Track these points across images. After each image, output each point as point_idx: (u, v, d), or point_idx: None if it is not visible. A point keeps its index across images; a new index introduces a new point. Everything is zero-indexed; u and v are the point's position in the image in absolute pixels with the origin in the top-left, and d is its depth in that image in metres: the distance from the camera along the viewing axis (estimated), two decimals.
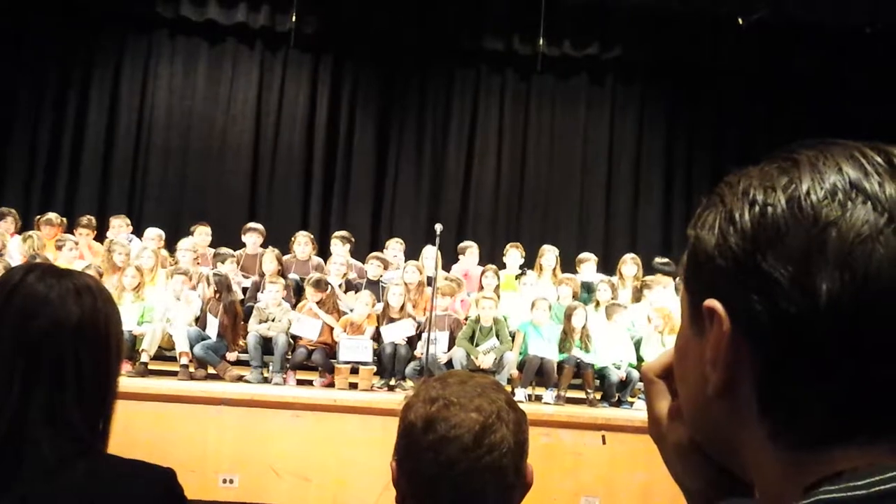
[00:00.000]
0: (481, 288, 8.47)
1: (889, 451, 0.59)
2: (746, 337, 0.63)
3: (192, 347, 7.38)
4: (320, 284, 7.82)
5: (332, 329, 7.65)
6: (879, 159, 0.63)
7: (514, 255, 9.14)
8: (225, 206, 11.08)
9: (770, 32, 10.93)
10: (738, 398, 0.65)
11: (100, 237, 9.20)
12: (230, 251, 8.79)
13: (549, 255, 9.05)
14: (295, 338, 7.67)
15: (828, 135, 0.67)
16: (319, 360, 7.50)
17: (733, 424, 0.66)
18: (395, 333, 7.59)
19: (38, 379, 1.41)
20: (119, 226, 9.12)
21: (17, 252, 8.18)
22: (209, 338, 7.48)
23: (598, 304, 8.33)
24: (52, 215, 9.11)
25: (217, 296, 7.71)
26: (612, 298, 8.32)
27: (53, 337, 1.43)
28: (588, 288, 8.77)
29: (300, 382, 7.47)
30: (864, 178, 0.62)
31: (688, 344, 0.70)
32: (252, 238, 9.08)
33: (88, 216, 9.38)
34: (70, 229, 9.14)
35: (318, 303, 7.73)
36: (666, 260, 9.24)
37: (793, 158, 0.65)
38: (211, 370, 7.55)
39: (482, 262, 9.32)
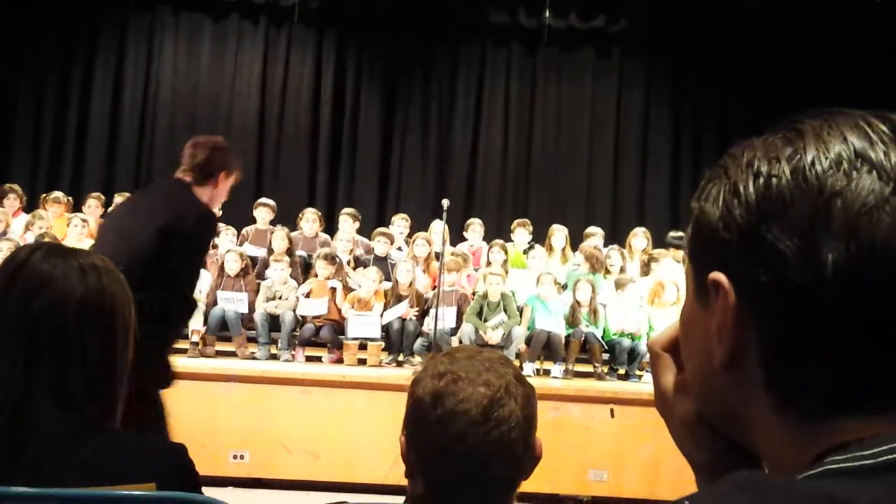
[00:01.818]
0: (489, 263, 8.47)
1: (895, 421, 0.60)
2: (752, 309, 0.63)
3: (219, 318, 7.43)
4: (329, 258, 7.84)
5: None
6: (884, 128, 0.63)
7: (521, 233, 9.11)
8: None
9: (777, 3, 10.84)
10: (743, 370, 0.65)
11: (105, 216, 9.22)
12: (224, 225, 8.75)
13: (558, 234, 9.04)
14: (303, 314, 7.68)
15: (835, 106, 0.67)
16: (328, 337, 7.52)
17: (739, 397, 0.66)
18: (392, 315, 7.60)
19: (42, 357, 1.42)
20: (120, 203, 9.11)
21: (21, 230, 8.19)
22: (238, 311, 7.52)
23: (607, 271, 8.32)
24: (58, 194, 9.12)
25: (242, 273, 7.77)
26: (622, 269, 8.32)
27: (56, 314, 1.44)
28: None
29: (309, 359, 7.49)
30: (870, 147, 0.61)
31: (693, 317, 0.70)
32: (262, 213, 9.08)
33: (97, 193, 9.40)
34: (77, 208, 9.16)
35: (327, 278, 7.76)
36: (680, 234, 9.20)
37: (797, 129, 0.65)
38: (220, 346, 7.57)
39: (490, 236, 9.32)
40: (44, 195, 9.17)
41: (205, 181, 3.75)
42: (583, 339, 7.50)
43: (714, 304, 0.65)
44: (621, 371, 7.55)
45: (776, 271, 0.61)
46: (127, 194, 9.29)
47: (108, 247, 3.67)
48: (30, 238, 7.76)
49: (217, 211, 3.93)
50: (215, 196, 3.83)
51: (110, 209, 8.99)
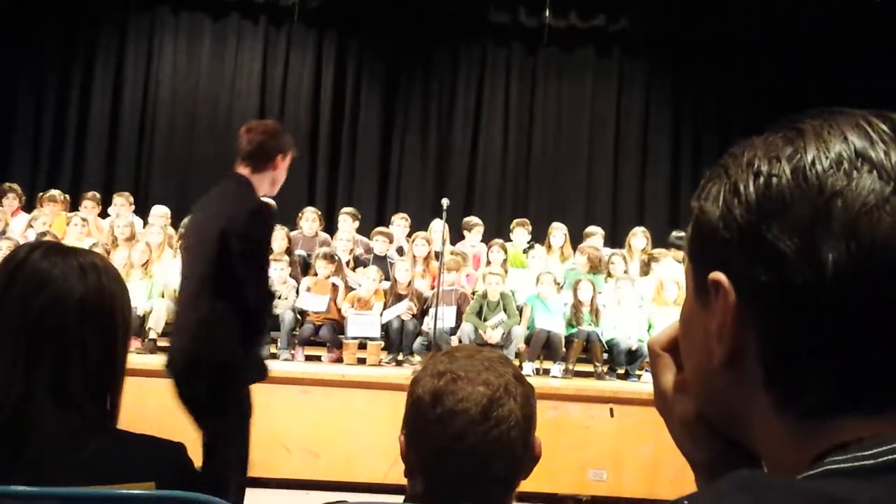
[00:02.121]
0: (489, 263, 8.47)
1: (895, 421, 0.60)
2: (752, 309, 0.63)
3: None
4: (329, 257, 7.85)
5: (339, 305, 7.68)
6: (885, 127, 0.63)
7: (520, 232, 9.11)
8: None
9: (777, 3, 10.84)
10: (743, 370, 0.65)
11: (105, 215, 9.21)
12: None
13: (557, 232, 9.04)
14: (302, 313, 7.69)
15: (835, 106, 0.67)
16: (327, 336, 7.52)
17: (739, 396, 0.66)
18: (392, 313, 7.60)
19: (42, 355, 1.42)
20: (122, 204, 9.12)
21: (20, 230, 8.18)
22: None
23: (609, 274, 8.32)
24: (54, 192, 9.09)
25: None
26: (624, 271, 8.32)
27: (56, 313, 1.44)
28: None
29: (308, 358, 7.49)
30: (870, 147, 0.61)
31: (692, 316, 0.70)
32: None
33: (93, 192, 9.39)
34: (75, 206, 9.15)
35: (327, 277, 7.76)
36: (682, 234, 9.16)
37: (797, 128, 0.65)
38: None
39: (490, 235, 9.31)
40: (40, 194, 9.16)
41: (263, 167, 3.88)
42: (585, 339, 7.50)
43: (714, 304, 0.65)
44: (620, 371, 7.54)
45: (776, 271, 0.61)
46: (123, 194, 9.32)
47: (192, 255, 3.87)
48: (31, 236, 7.76)
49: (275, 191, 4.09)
50: (276, 179, 3.96)
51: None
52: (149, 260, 7.76)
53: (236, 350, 3.66)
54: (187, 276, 3.87)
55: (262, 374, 3.86)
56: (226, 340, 3.57)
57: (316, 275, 7.87)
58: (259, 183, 3.87)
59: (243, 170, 3.87)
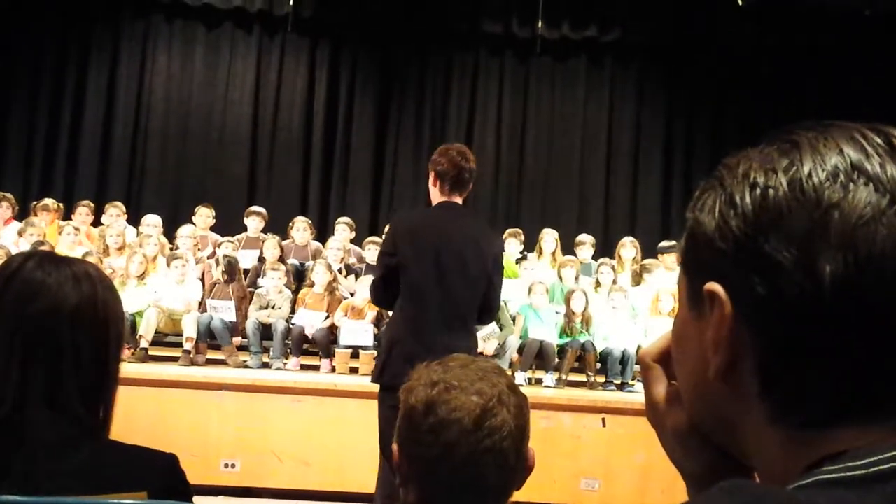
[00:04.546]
0: None
1: (891, 431, 0.60)
2: (748, 319, 0.63)
3: (207, 326, 7.40)
4: (327, 266, 7.88)
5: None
6: (879, 140, 0.63)
7: (512, 243, 9.09)
8: (224, 190, 11.05)
9: (769, 13, 10.89)
10: (739, 380, 0.65)
11: (98, 223, 9.18)
12: (230, 238, 8.81)
13: (548, 238, 9.05)
14: (299, 324, 7.66)
15: (828, 116, 0.67)
16: (317, 337, 7.47)
17: (734, 407, 0.66)
18: None
19: (36, 363, 1.42)
20: (117, 214, 9.10)
21: (11, 239, 8.14)
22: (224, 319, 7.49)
23: (598, 284, 8.32)
24: (48, 201, 9.06)
25: (226, 278, 7.76)
26: (614, 282, 8.33)
27: (50, 322, 1.44)
28: (587, 271, 8.77)
29: (304, 367, 7.46)
30: (865, 160, 0.62)
31: (686, 327, 0.70)
32: (254, 222, 9.06)
33: (87, 201, 9.37)
34: (68, 215, 9.12)
35: (324, 287, 7.78)
36: (672, 243, 9.14)
37: (792, 140, 0.65)
38: (210, 355, 7.55)
39: None
40: (34, 203, 9.13)
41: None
42: (579, 348, 7.48)
43: (710, 315, 0.65)
44: (617, 381, 7.48)
45: (774, 282, 0.61)
46: (116, 204, 9.28)
47: (457, 282, 3.92)
48: (24, 245, 7.73)
49: None
50: None
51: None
52: (146, 270, 7.75)
53: None
54: (446, 301, 3.88)
55: None
56: None
57: (312, 285, 7.86)
58: None
59: (458, 198, 4.14)
